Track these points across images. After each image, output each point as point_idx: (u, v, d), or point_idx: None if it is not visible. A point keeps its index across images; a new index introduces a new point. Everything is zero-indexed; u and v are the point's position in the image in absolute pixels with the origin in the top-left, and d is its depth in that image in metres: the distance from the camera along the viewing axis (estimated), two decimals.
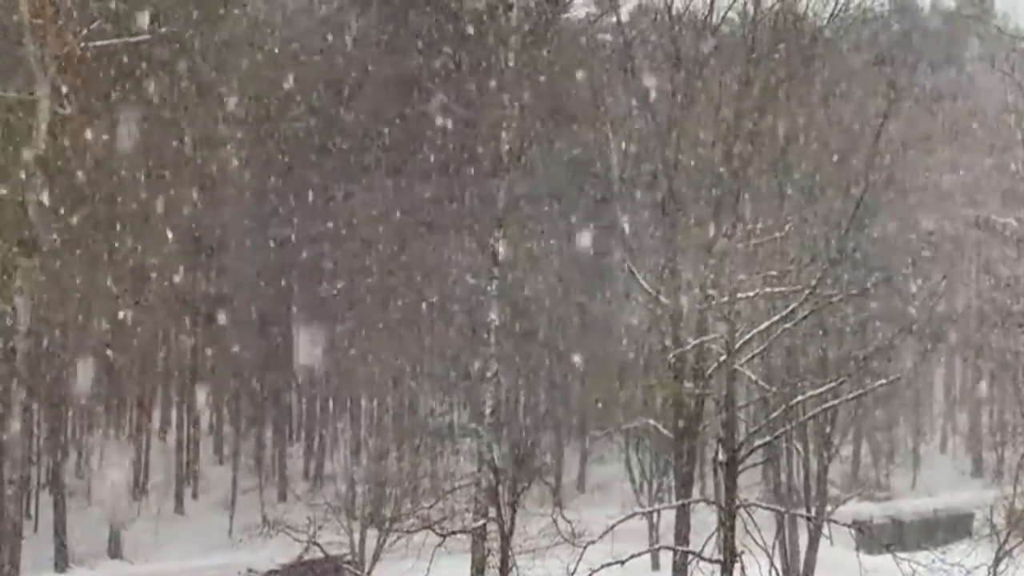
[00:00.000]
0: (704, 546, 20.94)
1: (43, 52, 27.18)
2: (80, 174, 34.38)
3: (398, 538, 29.82)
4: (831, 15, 31.15)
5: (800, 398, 25.51)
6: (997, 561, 26.58)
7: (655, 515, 41.20)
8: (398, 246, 48.88)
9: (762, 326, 22.50)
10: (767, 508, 25.67)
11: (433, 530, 23.58)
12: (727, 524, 20.68)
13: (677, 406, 26.79)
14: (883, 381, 26.10)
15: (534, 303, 49.77)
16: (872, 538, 31.54)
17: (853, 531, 24.85)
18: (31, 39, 27.04)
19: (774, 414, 23.67)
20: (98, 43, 28.86)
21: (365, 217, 49.91)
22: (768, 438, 24.14)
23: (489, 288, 34.55)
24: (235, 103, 48.17)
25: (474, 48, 40.11)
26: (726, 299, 21.83)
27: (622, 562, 20.12)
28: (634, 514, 22.90)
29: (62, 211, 32.54)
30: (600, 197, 45.43)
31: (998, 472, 57.51)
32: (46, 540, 45.40)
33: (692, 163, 29.01)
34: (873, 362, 28.48)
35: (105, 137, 36.41)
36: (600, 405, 45.18)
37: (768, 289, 23.17)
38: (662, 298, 25.50)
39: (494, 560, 24.92)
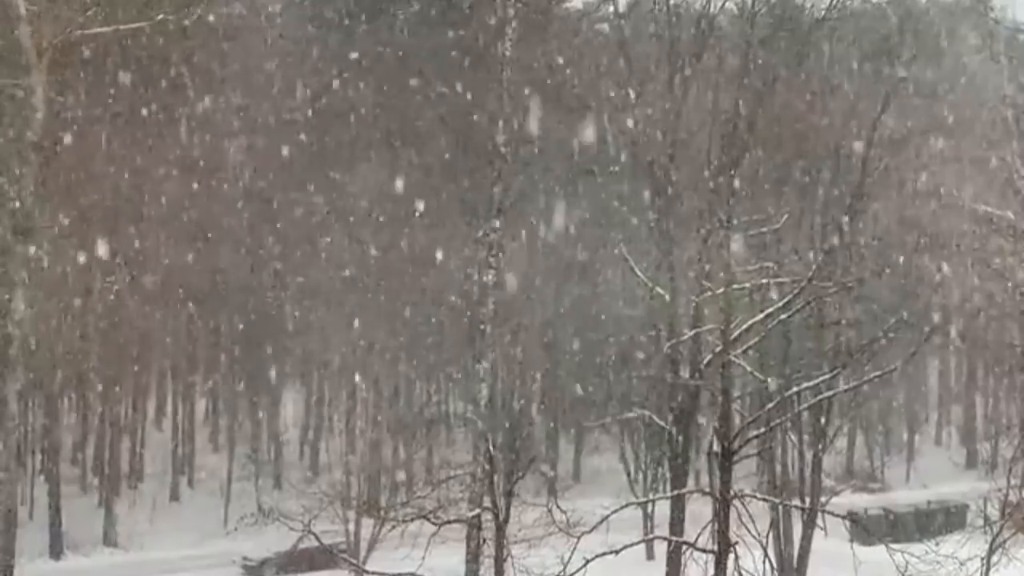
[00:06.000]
0: (698, 536, 20.91)
1: (39, 39, 27.12)
2: (75, 161, 34.34)
3: (393, 527, 29.78)
4: (829, 6, 31.11)
5: (795, 389, 25.51)
6: (990, 553, 26.53)
7: (650, 505, 41.22)
8: (395, 235, 48.83)
9: (758, 317, 22.46)
10: (762, 499, 25.64)
11: (428, 519, 23.51)
12: (721, 515, 20.66)
13: (672, 396, 26.80)
14: (878, 373, 26.06)
15: (530, 293, 49.79)
16: (866, 529, 31.56)
17: (847, 522, 24.87)
18: (27, 26, 26.99)
19: (769, 405, 23.66)
20: (93, 31, 28.75)
21: (361, 206, 49.84)
22: (763, 429, 24.12)
23: (486, 278, 34.55)
24: (231, 91, 48.12)
25: (471, 38, 40.07)
26: (722, 289, 21.79)
27: (616, 552, 20.05)
28: (629, 504, 22.83)
29: (58, 198, 32.51)
30: (597, 186, 45.51)
31: (992, 464, 57.54)
32: (41, 527, 45.43)
33: (689, 153, 28.98)
34: (868, 353, 28.46)
35: (100, 124, 36.37)
36: (596, 395, 45.25)
37: (764, 279, 23.13)
38: (658, 288, 25.49)
39: (489, 549, 24.89)
